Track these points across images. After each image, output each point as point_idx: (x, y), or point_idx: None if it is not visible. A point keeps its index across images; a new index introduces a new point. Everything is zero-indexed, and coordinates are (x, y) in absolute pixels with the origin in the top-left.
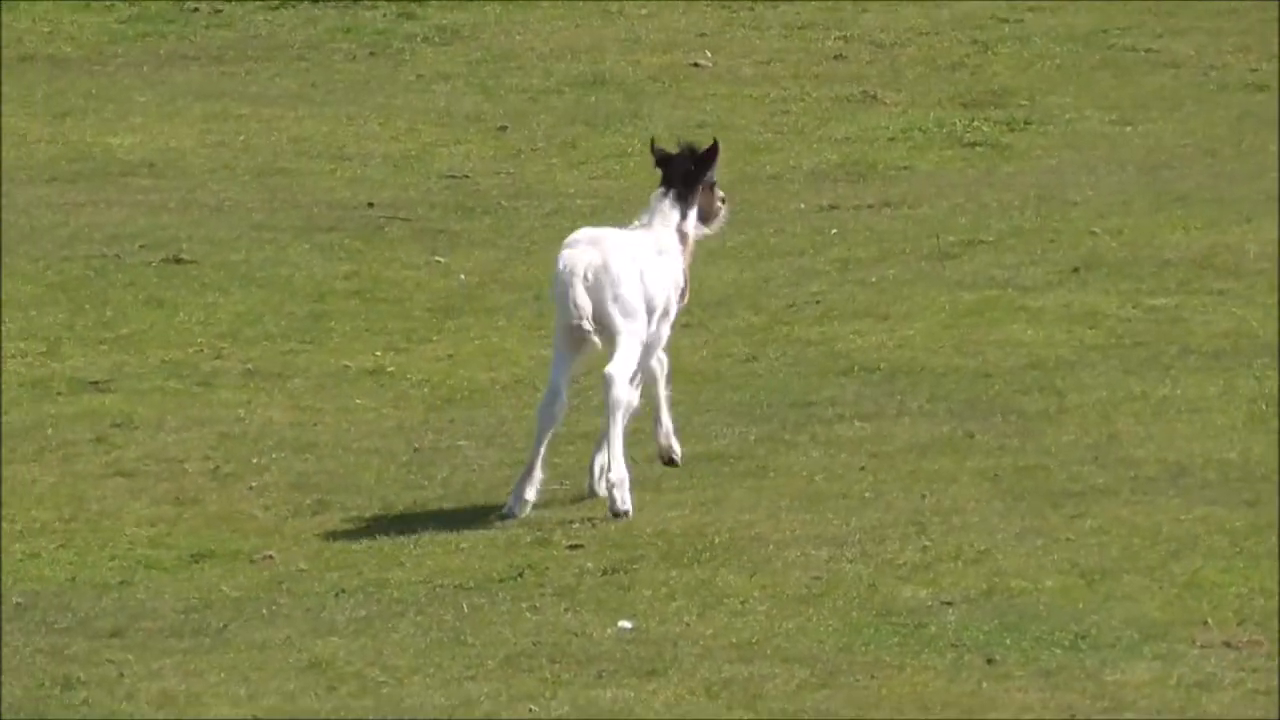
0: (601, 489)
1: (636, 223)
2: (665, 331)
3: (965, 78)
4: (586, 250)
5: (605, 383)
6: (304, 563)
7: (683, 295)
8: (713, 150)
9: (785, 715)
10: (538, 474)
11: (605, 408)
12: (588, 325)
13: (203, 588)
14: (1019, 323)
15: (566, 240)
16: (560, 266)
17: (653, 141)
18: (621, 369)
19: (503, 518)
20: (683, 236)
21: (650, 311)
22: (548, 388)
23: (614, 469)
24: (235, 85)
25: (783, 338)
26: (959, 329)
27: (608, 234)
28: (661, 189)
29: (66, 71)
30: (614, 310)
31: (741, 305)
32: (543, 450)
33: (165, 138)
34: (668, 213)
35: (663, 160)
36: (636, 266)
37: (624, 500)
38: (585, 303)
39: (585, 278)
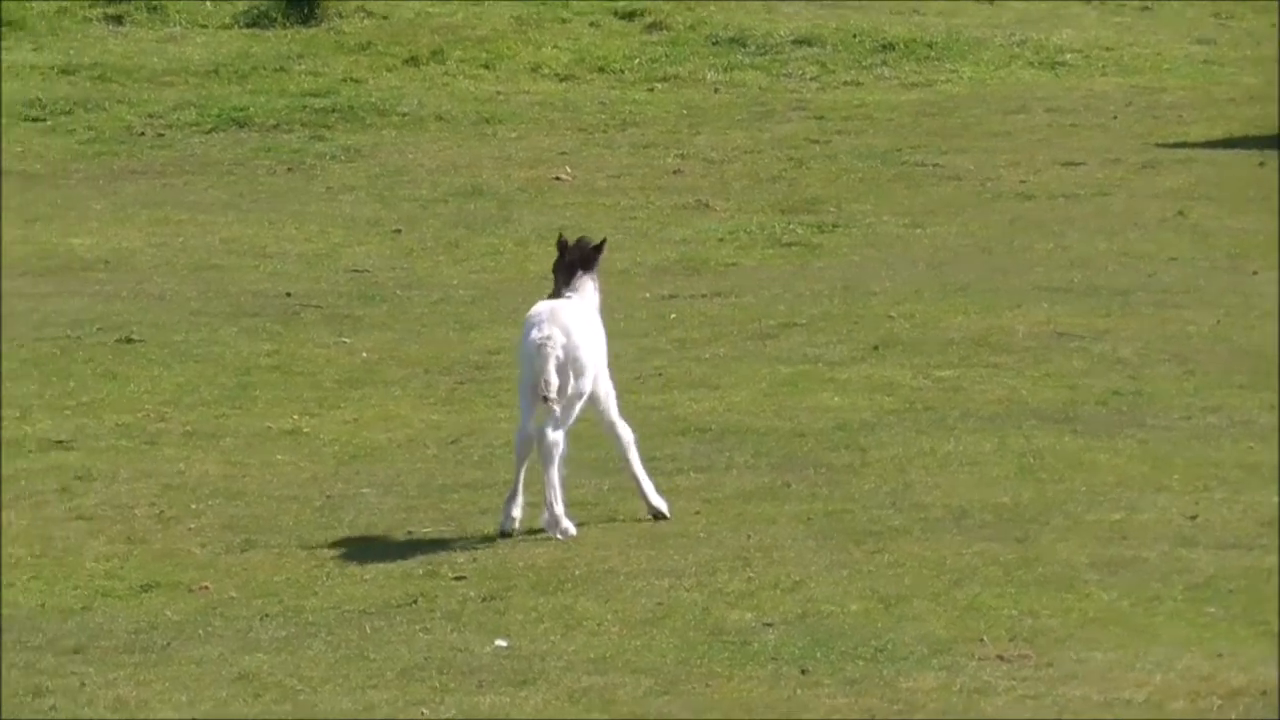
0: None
1: (567, 293)
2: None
3: (783, 188)
4: (551, 328)
5: (539, 436)
6: (234, 591)
7: None
8: (603, 244)
9: (633, 718)
10: (520, 496)
11: (541, 457)
12: (554, 400)
13: (150, 613)
14: (827, 391)
15: (530, 316)
16: (532, 341)
17: (560, 234)
18: (556, 424)
19: (503, 534)
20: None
21: (597, 367)
22: (518, 430)
23: (554, 507)
24: (175, 195)
25: (630, 404)
26: (777, 397)
27: (564, 307)
28: (579, 270)
29: (36, 184)
30: (570, 375)
31: None
32: (522, 476)
33: (117, 239)
34: (588, 287)
35: (568, 248)
36: (590, 332)
37: (567, 528)
38: (555, 380)
39: (558, 356)
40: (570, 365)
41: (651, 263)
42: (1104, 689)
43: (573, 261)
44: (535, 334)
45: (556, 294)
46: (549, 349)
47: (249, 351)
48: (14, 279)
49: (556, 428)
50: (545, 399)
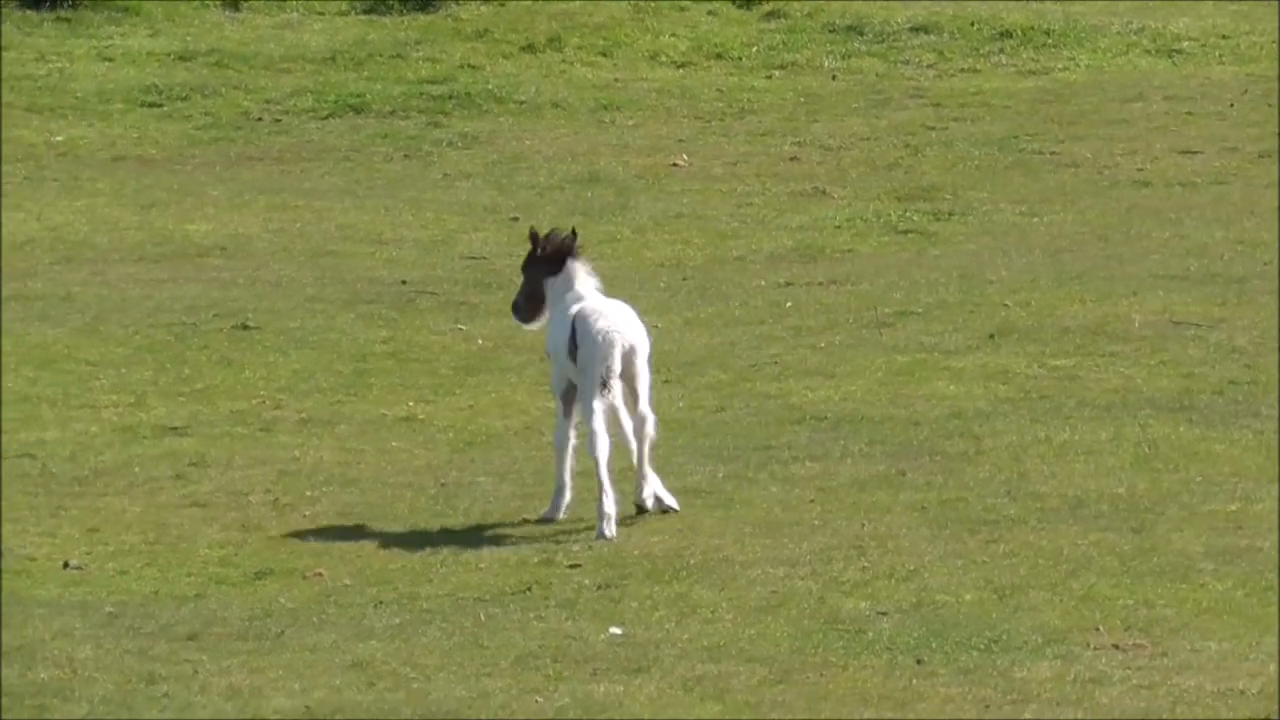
0: (650, 504)
1: (595, 287)
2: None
3: (900, 176)
4: (617, 320)
5: (643, 420)
6: (348, 579)
7: None
8: (574, 232)
9: (748, 707)
10: (611, 495)
11: (643, 439)
12: (614, 387)
13: (264, 600)
14: (943, 380)
15: (587, 313)
16: (600, 330)
17: (531, 229)
18: (650, 406)
19: (602, 538)
20: None
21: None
22: (588, 435)
23: (651, 486)
24: (292, 182)
25: (746, 392)
26: (893, 385)
27: (615, 305)
28: (575, 263)
29: (153, 170)
30: (639, 362)
31: (711, 365)
32: (605, 478)
33: (234, 225)
34: (591, 280)
35: (541, 240)
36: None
37: (669, 500)
38: (618, 367)
39: (623, 347)
40: (636, 354)
41: (768, 250)
42: (1218, 679)
43: (553, 254)
44: (602, 323)
45: (568, 287)
46: (615, 338)
47: (365, 338)
48: (130, 265)
49: (647, 405)
50: (604, 385)
